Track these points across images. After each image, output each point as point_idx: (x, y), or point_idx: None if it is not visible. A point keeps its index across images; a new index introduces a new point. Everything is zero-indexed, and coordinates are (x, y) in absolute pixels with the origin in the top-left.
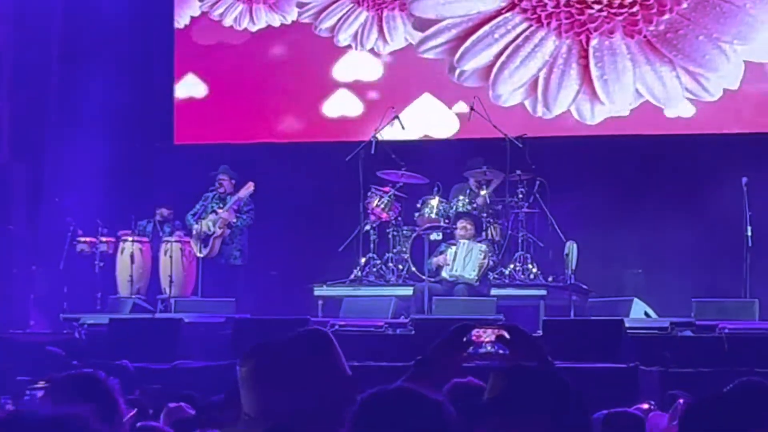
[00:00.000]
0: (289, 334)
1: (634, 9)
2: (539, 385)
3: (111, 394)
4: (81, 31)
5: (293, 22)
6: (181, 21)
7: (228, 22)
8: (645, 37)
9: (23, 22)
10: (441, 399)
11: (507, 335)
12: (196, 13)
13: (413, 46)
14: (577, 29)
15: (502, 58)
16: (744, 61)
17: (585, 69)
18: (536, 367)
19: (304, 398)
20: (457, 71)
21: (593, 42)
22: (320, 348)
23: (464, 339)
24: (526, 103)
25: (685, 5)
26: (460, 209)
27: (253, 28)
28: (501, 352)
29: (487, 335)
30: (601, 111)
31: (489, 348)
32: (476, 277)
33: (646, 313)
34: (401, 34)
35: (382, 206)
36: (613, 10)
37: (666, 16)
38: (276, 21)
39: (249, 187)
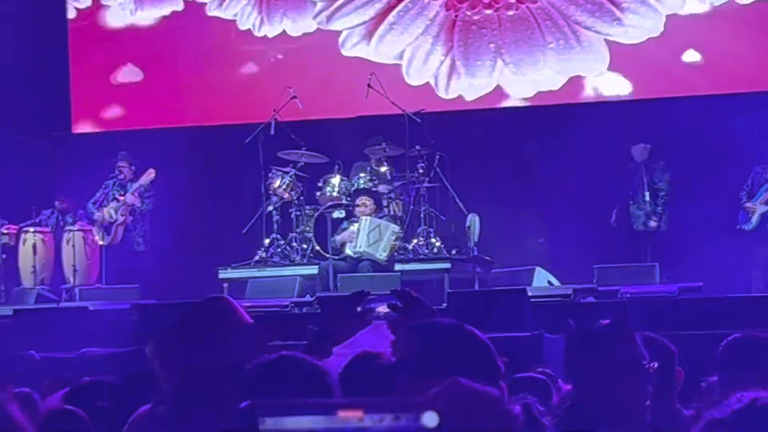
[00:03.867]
0: (188, 308)
1: None
2: (449, 340)
3: None
4: None
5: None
6: (73, 9)
7: (120, 8)
8: (496, 12)
9: None
10: (324, 365)
11: (398, 301)
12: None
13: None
14: None
15: None
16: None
17: (388, 10)
18: (446, 323)
19: (217, 359)
20: None
21: None
22: (221, 310)
23: (359, 307)
24: (319, 5)
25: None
26: (362, 186)
27: (157, 14)
28: (394, 316)
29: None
30: (359, 50)
31: (383, 314)
32: (386, 258)
33: (549, 282)
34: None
35: (284, 186)
36: None
37: (538, 4)
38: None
39: (150, 174)
